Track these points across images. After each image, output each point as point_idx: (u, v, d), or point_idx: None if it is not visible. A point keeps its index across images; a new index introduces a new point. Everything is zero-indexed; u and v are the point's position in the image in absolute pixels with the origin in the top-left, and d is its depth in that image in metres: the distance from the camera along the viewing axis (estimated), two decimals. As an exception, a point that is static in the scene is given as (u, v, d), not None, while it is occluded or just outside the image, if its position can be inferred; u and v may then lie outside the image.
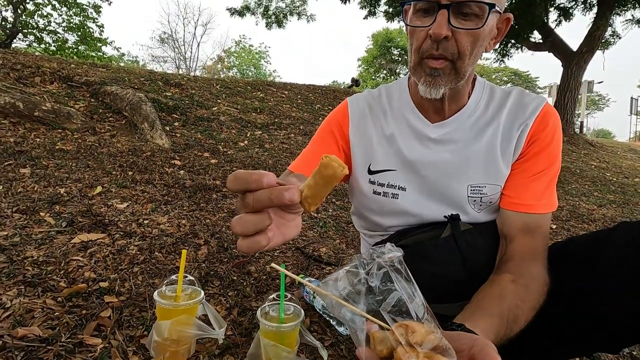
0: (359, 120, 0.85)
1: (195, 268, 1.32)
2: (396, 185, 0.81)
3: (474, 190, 0.78)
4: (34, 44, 14.87)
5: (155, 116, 3.10)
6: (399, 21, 10.06)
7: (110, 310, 1.00)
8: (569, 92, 7.83)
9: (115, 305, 1.03)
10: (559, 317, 0.68)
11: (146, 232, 1.50)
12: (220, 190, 2.14)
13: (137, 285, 1.15)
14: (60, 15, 15.15)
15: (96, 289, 1.09)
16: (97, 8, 15.63)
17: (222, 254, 1.46)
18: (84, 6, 15.29)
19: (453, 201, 0.79)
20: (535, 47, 8.77)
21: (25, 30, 14.25)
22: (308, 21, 11.68)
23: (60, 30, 15.29)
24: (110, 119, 3.11)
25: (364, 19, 10.16)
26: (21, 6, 13.28)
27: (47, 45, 15.14)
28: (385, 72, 27.56)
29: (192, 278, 0.80)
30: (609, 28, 8.23)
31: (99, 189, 1.84)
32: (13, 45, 12.74)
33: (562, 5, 8.59)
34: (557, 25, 8.72)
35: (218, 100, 4.43)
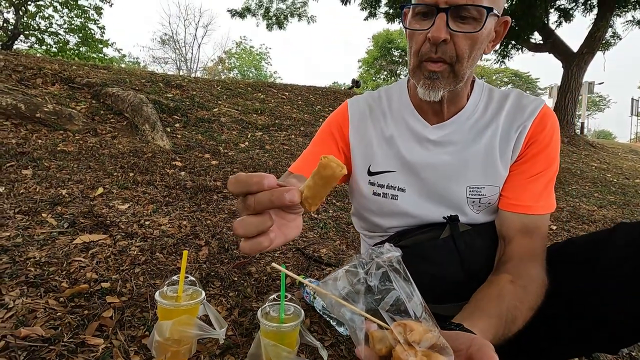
0: (359, 122, 0.85)
1: (196, 269, 1.32)
2: (396, 187, 0.82)
3: (472, 191, 0.78)
4: (36, 46, 14.92)
5: (156, 117, 3.11)
6: (399, 22, 10.11)
7: (112, 311, 1.01)
8: (569, 93, 7.83)
9: (116, 306, 1.04)
10: (557, 318, 0.68)
11: (147, 233, 1.51)
12: (221, 192, 2.15)
13: (138, 285, 1.16)
14: (62, 16, 15.22)
15: (98, 290, 1.09)
16: (98, 10, 15.70)
17: (223, 254, 1.46)
18: (85, 8, 15.35)
19: (452, 202, 0.80)
20: (536, 48, 8.78)
21: (27, 32, 14.30)
22: (309, 22, 11.69)
23: (61, 31, 15.36)
24: (112, 120, 3.12)
25: (364, 20, 10.18)
26: (23, 8, 13.33)
27: (49, 46, 15.19)
28: (385, 73, 27.59)
29: (193, 279, 0.81)
30: (610, 29, 8.23)
31: (100, 190, 1.85)
32: (14, 47, 12.79)
33: (562, 6, 8.60)
34: (558, 26, 8.73)
35: (219, 102, 4.44)
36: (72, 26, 15.47)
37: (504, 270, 0.69)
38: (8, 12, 13.16)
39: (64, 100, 3.18)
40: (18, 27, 13.25)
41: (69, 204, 1.65)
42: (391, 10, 9.44)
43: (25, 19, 13.86)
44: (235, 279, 1.31)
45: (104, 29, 16.24)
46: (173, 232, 1.56)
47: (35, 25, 14.56)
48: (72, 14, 15.29)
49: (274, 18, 11.29)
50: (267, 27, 11.40)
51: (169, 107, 3.59)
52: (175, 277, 0.78)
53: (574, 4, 8.50)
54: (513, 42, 8.95)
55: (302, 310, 0.75)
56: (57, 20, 15.12)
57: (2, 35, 13.22)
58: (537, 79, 31.53)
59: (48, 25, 14.97)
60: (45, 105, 2.76)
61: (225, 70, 29.21)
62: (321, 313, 1.17)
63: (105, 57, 17.28)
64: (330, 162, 0.39)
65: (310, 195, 0.41)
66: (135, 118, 3.10)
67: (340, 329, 1.10)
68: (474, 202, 0.79)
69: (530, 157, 0.76)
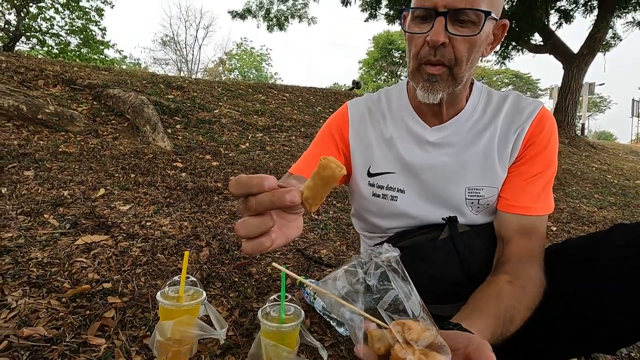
0: (358, 124, 0.86)
1: (197, 269, 1.33)
2: (395, 188, 0.82)
3: (471, 192, 0.79)
4: (37, 47, 14.96)
5: (157, 119, 3.12)
6: (399, 24, 10.07)
7: (114, 311, 1.02)
8: (570, 94, 7.83)
9: (118, 306, 1.04)
10: (556, 318, 0.69)
11: (149, 234, 1.52)
12: (221, 193, 2.16)
13: (139, 286, 1.17)
14: (63, 18, 15.25)
15: (100, 290, 1.10)
16: (99, 11, 15.73)
17: (224, 255, 1.47)
18: (87, 9, 15.39)
19: (451, 203, 0.81)
20: (536, 49, 8.78)
21: (28, 33, 14.34)
22: (309, 24, 11.72)
23: (62, 33, 15.39)
24: (113, 121, 3.14)
25: (364, 21, 10.20)
26: (24, 9, 13.37)
27: (50, 48, 15.23)
28: (386, 74, 27.61)
29: (194, 279, 0.81)
30: (610, 30, 8.24)
31: (101, 191, 1.86)
32: (16, 48, 12.83)
33: (562, 7, 8.61)
34: (558, 27, 8.74)
35: (219, 103, 4.45)
36: (74, 28, 15.51)
37: (503, 271, 0.70)
38: (10, 13, 13.22)
39: (66, 101, 3.19)
40: (20, 29, 13.29)
41: (71, 205, 1.66)
42: (391, 12, 9.45)
43: (26, 20, 13.91)
44: (236, 279, 1.32)
45: (105, 30, 16.28)
46: (174, 233, 1.57)
47: (36, 27, 14.60)
48: (74, 15, 15.33)
49: (274, 19, 11.31)
50: (267, 29, 11.42)
51: (169, 109, 3.60)
52: (176, 278, 0.79)
53: (575, 5, 8.52)
54: (513, 43, 8.96)
55: (302, 311, 0.76)
56: (58, 21, 15.17)
57: (4, 36, 13.26)
58: (537, 80, 31.52)
59: (49, 26, 15.02)
60: (46, 107, 2.77)
61: (225, 72, 29.27)
62: (321, 314, 1.18)
63: (106, 59, 17.31)
64: (330, 163, 0.40)
65: (311, 196, 0.41)
66: (136, 119, 3.11)
67: (340, 330, 1.11)
68: (472, 203, 0.80)
69: (528, 158, 0.77)
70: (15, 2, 12.82)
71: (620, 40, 8.91)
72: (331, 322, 1.14)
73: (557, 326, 0.70)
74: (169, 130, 3.20)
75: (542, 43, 8.56)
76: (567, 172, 4.76)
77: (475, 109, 0.81)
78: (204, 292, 0.79)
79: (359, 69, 29.81)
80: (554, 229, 2.56)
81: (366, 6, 9.71)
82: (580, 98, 8.97)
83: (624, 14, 8.13)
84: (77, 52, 15.95)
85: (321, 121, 4.71)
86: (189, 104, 3.97)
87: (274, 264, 0.45)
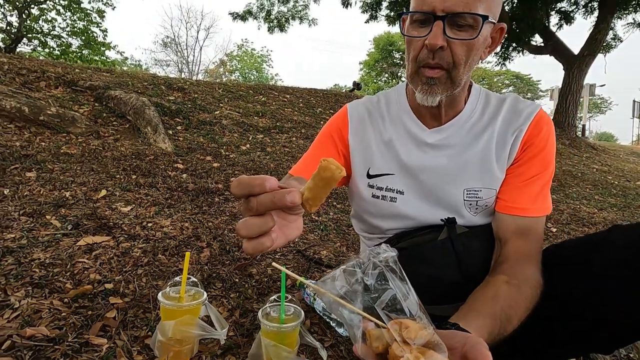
0: (358, 126, 0.87)
1: (198, 270, 1.34)
2: (394, 189, 0.83)
3: (469, 194, 0.80)
4: (39, 49, 15.01)
5: (158, 120, 3.13)
6: (399, 26, 10.10)
7: (115, 311, 1.03)
8: (570, 95, 7.84)
9: (120, 306, 1.05)
10: (553, 319, 0.69)
11: (150, 234, 1.53)
12: (222, 194, 2.17)
13: (141, 286, 1.17)
14: (65, 19, 15.31)
15: (101, 290, 1.11)
16: (100, 13, 15.78)
17: (224, 256, 1.48)
18: (88, 11, 15.45)
19: (449, 205, 0.81)
20: (537, 50, 8.80)
21: (30, 35, 14.39)
22: (310, 25, 11.74)
23: (64, 34, 15.45)
24: (114, 123, 3.15)
25: (365, 22, 10.22)
26: (26, 11, 13.43)
27: (51, 49, 15.28)
28: (386, 75, 27.64)
29: (195, 280, 0.82)
30: (610, 31, 8.24)
31: (103, 192, 1.87)
32: (18, 50, 12.87)
33: (563, 8, 8.63)
34: (559, 28, 8.76)
35: (220, 104, 4.46)
36: (75, 29, 15.57)
37: (500, 271, 0.70)
38: (11, 15, 13.27)
39: (67, 103, 3.21)
40: (21, 30, 13.34)
41: (73, 206, 1.67)
42: (392, 13, 9.48)
43: (28, 22, 13.96)
44: (237, 280, 1.33)
45: (107, 31, 16.34)
46: (175, 234, 1.58)
47: (38, 29, 14.66)
48: (75, 17, 15.39)
49: (275, 21, 11.33)
50: (268, 30, 11.44)
51: (170, 110, 3.61)
52: (177, 278, 0.80)
53: (575, 6, 8.54)
54: (514, 45, 8.98)
55: (302, 311, 0.77)
56: (59, 23, 15.23)
57: (6, 38, 13.31)
58: (538, 81, 31.53)
59: (51, 28, 15.07)
60: (48, 108, 2.78)
61: (226, 73, 29.33)
62: (321, 314, 1.18)
63: (108, 60, 17.37)
64: (330, 164, 0.41)
65: (311, 197, 0.42)
66: (137, 121, 3.13)
67: (340, 330, 1.11)
68: (471, 204, 0.81)
69: (526, 160, 0.78)
70: (17, 3, 12.88)
71: (621, 41, 8.92)
72: (331, 322, 1.15)
73: (554, 327, 0.70)
74: (170, 132, 3.21)
75: (542, 44, 8.58)
76: (567, 174, 4.76)
77: (473, 111, 0.81)
78: (205, 293, 0.80)
79: (360, 70, 29.87)
80: (554, 230, 2.57)
81: (367, 7, 9.74)
82: (581, 99, 8.97)
83: (624, 15, 8.15)
84: (79, 54, 16.01)
85: (322, 122, 4.72)
86: (189, 106, 3.99)
87: (274, 263, 0.46)
